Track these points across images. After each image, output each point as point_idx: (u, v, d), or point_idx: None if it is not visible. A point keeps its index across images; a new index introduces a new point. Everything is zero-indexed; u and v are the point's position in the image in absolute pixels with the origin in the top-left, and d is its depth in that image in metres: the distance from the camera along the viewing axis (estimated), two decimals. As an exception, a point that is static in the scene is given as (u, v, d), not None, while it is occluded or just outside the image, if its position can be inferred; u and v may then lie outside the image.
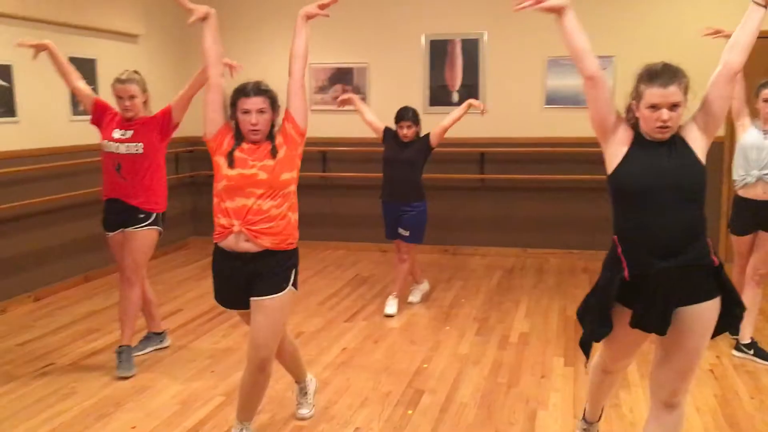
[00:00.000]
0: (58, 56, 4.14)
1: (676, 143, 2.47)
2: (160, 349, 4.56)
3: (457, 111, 5.36)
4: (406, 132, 5.27)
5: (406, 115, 5.30)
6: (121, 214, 4.18)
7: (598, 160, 7.10)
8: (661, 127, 2.41)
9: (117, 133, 4.15)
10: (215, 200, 3.00)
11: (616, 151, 2.48)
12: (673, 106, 2.39)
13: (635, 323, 2.49)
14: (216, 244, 3.02)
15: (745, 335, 4.30)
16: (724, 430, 3.40)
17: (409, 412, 3.64)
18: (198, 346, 4.65)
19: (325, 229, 7.78)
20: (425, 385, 4.00)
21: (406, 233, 5.30)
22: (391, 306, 5.33)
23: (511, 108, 7.28)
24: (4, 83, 5.52)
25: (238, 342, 4.68)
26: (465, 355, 4.47)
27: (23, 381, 4.07)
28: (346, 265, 6.99)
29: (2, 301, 5.51)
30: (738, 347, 4.34)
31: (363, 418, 3.56)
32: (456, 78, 7.38)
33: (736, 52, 2.50)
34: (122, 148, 4.12)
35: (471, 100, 5.44)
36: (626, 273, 2.44)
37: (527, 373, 4.16)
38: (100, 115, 4.25)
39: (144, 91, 4.25)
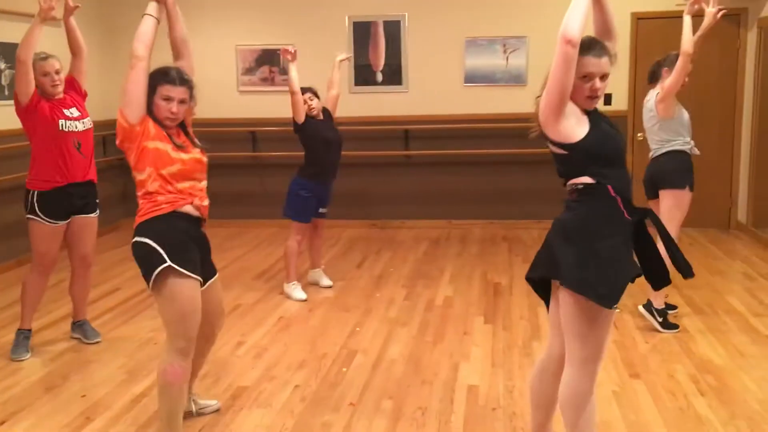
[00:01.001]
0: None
1: (599, 113, 2.63)
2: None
3: (335, 73, 5.55)
4: (316, 104, 5.35)
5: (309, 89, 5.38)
6: (85, 198, 4.27)
7: (516, 135, 7.57)
8: (591, 97, 2.53)
9: (68, 112, 4.14)
10: (153, 184, 2.92)
11: (578, 121, 2.52)
12: (603, 77, 2.53)
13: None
14: (169, 213, 2.93)
15: (659, 298, 4.56)
16: (621, 371, 3.85)
17: (344, 369, 3.95)
18: (139, 322, 4.83)
19: (256, 208, 7.97)
20: (358, 345, 4.32)
21: (326, 210, 5.56)
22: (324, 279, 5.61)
23: (432, 87, 7.62)
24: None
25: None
26: (394, 318, 4.81)
27: None
28: (278, 242, 7.21)
29: (-65, 287, 5.53)
30: (648, 306, 4.58)
31: (301, 377, 3.85)
32: (379, 58, 7.66)
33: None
34: (80, 126, 4.17)
35: (339, 56, 5.64)
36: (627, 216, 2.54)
37: (451, 331, 4.54)
38: (37, 100, 4.09)
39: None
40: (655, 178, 4.67)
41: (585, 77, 2.50)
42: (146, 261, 2.92)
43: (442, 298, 5.26)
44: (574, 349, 2.59)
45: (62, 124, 4.11)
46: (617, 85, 7.29)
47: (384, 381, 3.80)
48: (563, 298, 2.56)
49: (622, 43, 7.29)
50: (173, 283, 2.88)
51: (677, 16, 7.04)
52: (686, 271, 2.66)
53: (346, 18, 7.65)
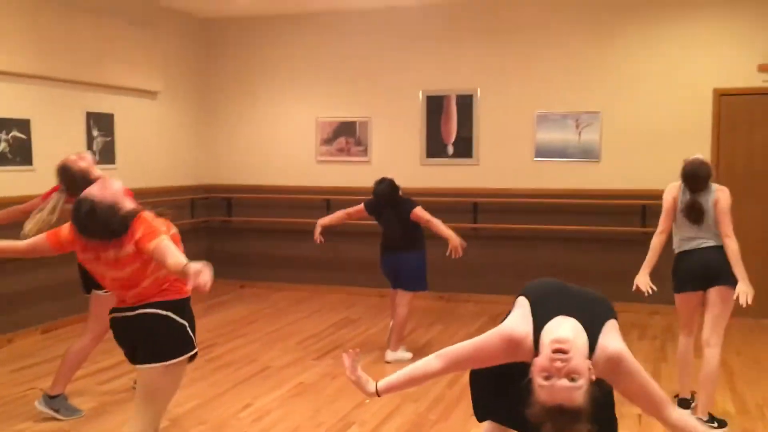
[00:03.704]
0: None
1: None
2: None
3: (444, 232, 5.51)
4: None
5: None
6: None
7: (587, 211, 7.38)
8: None
9: None
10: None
11: None
12: None
13: None
14: (185, 298, 3.04)
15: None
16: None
17: (332, 440, 3.92)
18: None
19: (327, 273, 8.13)
20: (358, 417, 4.26)
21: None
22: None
23: (502, 160, 7.56)
24: (22, 135, 6.16)
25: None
26: (409, 393, 4.69)
27: (4, 400, 4.53)
28: (340, 309, 7.31)
29: (10, 333, 6.04)
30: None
31: (288, 445, 3.85)
32: (451, 131, 7.72)
33: None
34: None
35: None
36: None
37: (460, 411, 4.37)
38: None
39: None
40: (712, 271, 4.18)
41: None
42: (177, 339, 2.98)
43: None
44: None
45: None
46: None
47: (364, 456, 3.72)
48: None
49: (704, 120, 6.95)
50: (183, 369, 3.02)
51: (762, 93, 6.72)
52: None
53: (420, 92, 7.80)
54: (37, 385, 4.85)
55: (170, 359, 2.93)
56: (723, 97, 6.88)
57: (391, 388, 2.52)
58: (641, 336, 6.16)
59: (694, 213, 4.19)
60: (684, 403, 4.31)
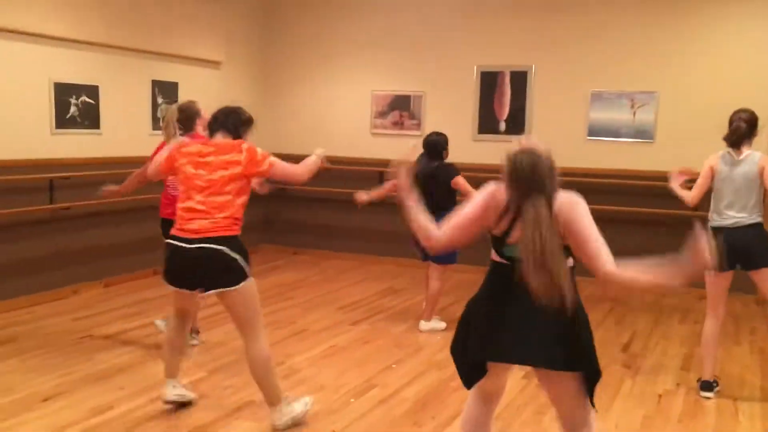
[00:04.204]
0: None
1: None
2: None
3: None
4: None
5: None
6: None
7: (639, 192, 7.34)
8: None
9: None
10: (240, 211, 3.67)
11: None
12: None
13: None
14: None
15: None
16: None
17: (352, 400, 4.11)
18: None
19: (377, 244, 8.32)
20: (381, 380, 4.44)
21: None
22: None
23: (555, 138, 7.49)
24: (91, 101, 6.55)
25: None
26: (438, 361, 4.84)
27: (57, 346, 4.92)
28: (385, 278, 7.49)
29: (76, 284, 6.49)
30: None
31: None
32: (504, 107, 7.73)
33: None
34: None
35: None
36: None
37: (482, 380, 4.49)
38: None
39: None
40: (752, 251, 4.20)
41: None
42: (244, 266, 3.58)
43: (500, 348, 5.18)
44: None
45: None
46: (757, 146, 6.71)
47: (379, 416, 3.90)
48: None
49: (764, 100, 6.72)
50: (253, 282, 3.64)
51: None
52: None
53: (475, 68, 7.83)
54: (95, 333, 5.24)
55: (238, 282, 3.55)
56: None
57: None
58: (682, 320, 6.10)
59: None
60: (706, 386, 4.31)
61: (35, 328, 5.34)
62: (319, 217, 8.65)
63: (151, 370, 4.47)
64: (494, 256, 2.76)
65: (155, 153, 4.73)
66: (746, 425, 3.94)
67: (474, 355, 2.69)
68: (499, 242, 2.68)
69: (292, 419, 3.70)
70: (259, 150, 3.64)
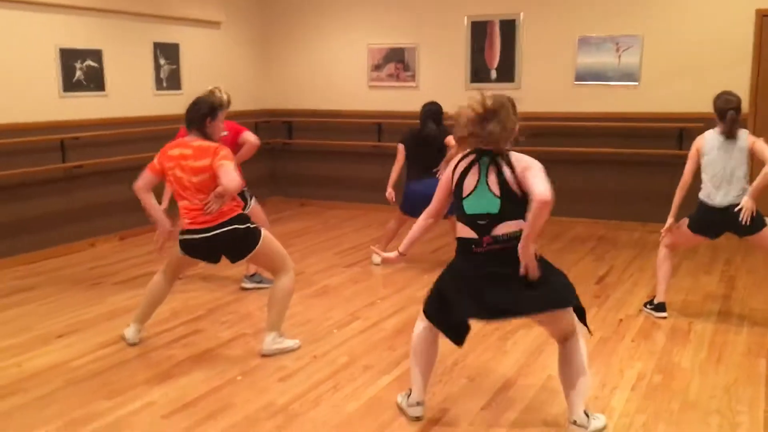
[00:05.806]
0: None
1: None
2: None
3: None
4: None
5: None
6: None
7: (624, 134, 7.60)
8: None
9: None
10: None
11: None
12: None
13: None
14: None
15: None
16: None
17: (335, 331, 4.52)
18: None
19: (377, 193, 8.66)
20: (364, 314, 4.85)
21: None
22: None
23: (543, 84, 7.76)
24: (95, 64, 6.92)
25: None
26: (419, 297, 5.16)
27: (72, 292, 5.39)
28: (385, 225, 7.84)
29: (92, 238, 6.96)
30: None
31: (296, 333, 4.47)
32: (494, 56, 7.96)
33: None
34: None
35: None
36: None
37: (457, 311, 4.87)
38: None
39: None
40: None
41: None
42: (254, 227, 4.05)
43: (481, 284, 5.55)
44: None
45: None
46: (738, 84, 6.88)
47: (358, 343, 4.31)
48: None
49: (744, 42, 6.89)
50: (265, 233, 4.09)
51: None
52: None
53: (465, 18, 8.04)
54: (108, 280, 5.71)
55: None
56: (765, 18, 6.79)
57: (411, 244, 3.43)
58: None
59: None
60: (659, 308, 4.68)
61: (53, 278, 5.83)
62: (322, 169, 9.01)
63: (159, 308, 4.91)
64: (459, 232, 3.12)
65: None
66: (695, 344, 4.27)
67: (461, 314, 3.11)
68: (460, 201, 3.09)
69: (279, 350, 4.12)
70: (226, 158, 3.87)
